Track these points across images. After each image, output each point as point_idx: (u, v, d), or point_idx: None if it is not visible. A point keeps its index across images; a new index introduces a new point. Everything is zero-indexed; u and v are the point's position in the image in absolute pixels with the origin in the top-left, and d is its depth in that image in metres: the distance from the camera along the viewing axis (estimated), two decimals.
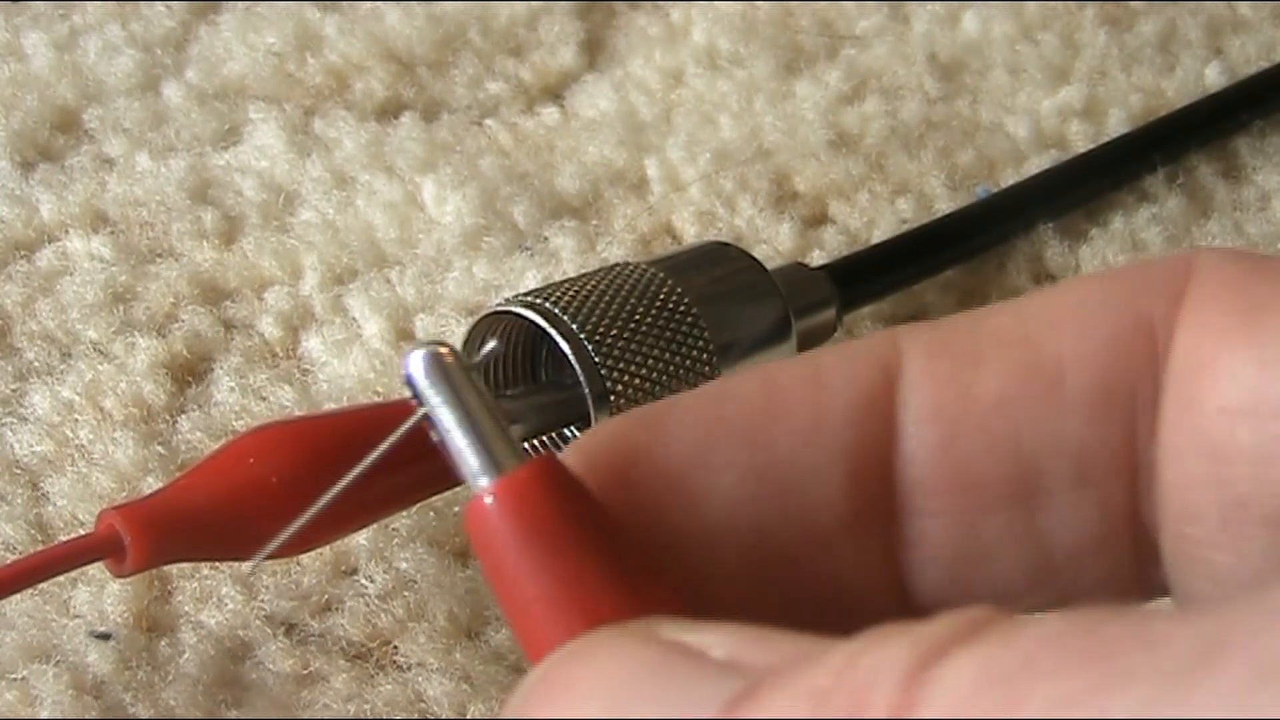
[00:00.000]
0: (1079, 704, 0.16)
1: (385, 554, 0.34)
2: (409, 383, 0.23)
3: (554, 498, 0.22)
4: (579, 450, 0.24)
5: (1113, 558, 0.23)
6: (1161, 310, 0.23)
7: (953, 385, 0.23)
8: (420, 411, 0.23)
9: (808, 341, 0.38)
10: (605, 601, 0.21)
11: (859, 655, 0.17)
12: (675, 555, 0.23)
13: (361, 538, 0.34)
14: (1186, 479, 0.22)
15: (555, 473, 0.22)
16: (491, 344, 0.23)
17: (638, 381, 0.34)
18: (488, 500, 0.22)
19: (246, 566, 0.27)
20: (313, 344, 0.40)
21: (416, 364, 0.23)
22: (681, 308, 0.35)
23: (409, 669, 0.33)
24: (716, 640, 0.20)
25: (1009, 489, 0.23)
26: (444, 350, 0.23)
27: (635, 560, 0.22)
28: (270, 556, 0.32)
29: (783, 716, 0.18)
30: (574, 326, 0.33)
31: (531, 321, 0.34)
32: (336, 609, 0.33)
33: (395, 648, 0.33)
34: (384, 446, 0.24)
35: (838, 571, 0.24)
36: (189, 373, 0.39)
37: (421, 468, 0.29)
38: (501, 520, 0.22)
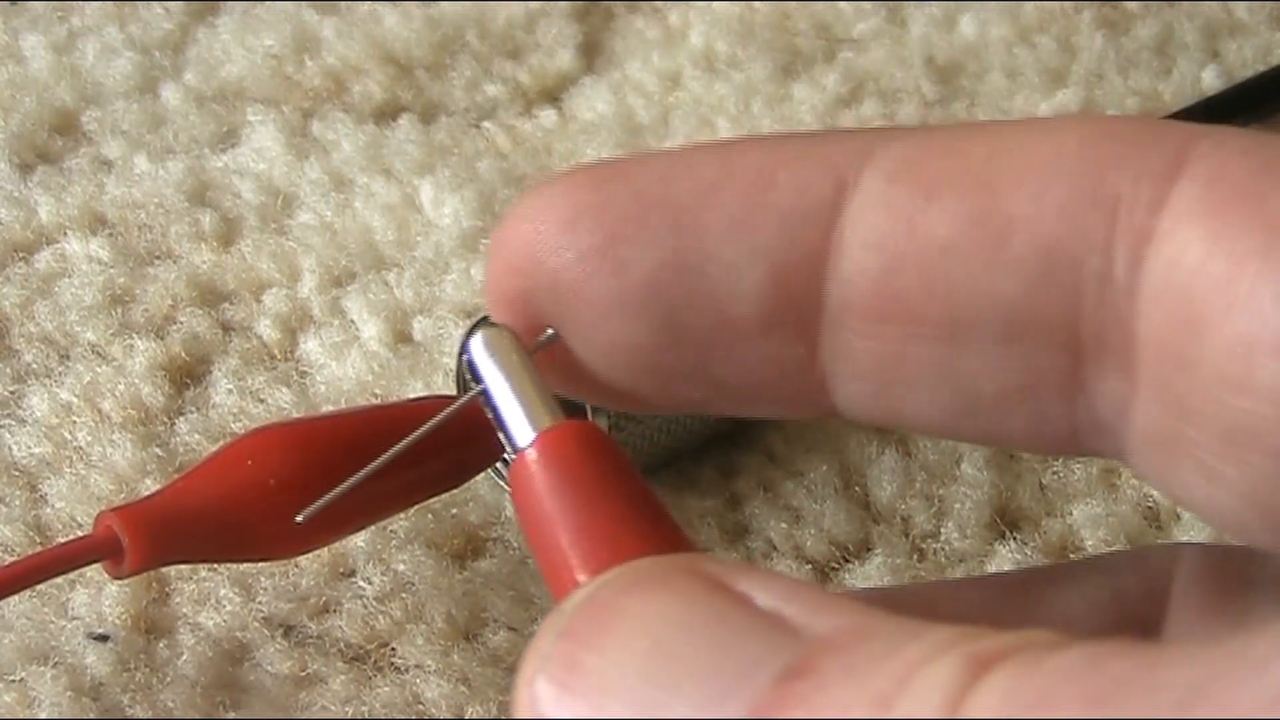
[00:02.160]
0: None
1: (383, 556, 0.34)
2: (469, 365, 0.25)
3: (587, 451, 0.24)
4: (530, 200, 0.25)
5: (1039, 413, 0.24)
6: (1130, 189, 0.22)
7: (902, 217, 0.23)
8: (478, 388, 0.25)
9: None
10: (632, 542, 0.22)
11: (920, 666, 0.18)
12: (590, 318, 0.24)
13: (359, 540, 0.34)
14: (1187, 390, 0.22)
15: (589, 431, 0.24)
16: (550, 330, 0.25)
17: None
18: (529, 454, 0.24)
19: (300, 517, 0.28)
20: (311, 346, 0.40)
21: (478, 346, 0.25)
22: None
23: (407, 671, 0.33)
24: (758, 586, 0.20)
25: (937, 330, 0.24)
26: (498, 331, 0.25)
27: (658, 512, 0.24)
28: (269, 558, 0.32)
29: (844, 711, 0.18)
30: None
31: None
32: (334, 611, 0.34)
33: (393, 649, 0.33)
34: (436, 422, 0.27)
35: (751, 367, 0.25)
36: (187, 375, 0.39)
37: (426, 467, 0.30)
38: (539, 470, 0.23)
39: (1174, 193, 0.22)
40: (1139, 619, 0.25)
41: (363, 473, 0.27)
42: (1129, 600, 0.25)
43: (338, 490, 0.27)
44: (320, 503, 0.28)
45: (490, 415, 0.25)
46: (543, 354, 0.25)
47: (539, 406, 0.24)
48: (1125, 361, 0.23)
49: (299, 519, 0.28)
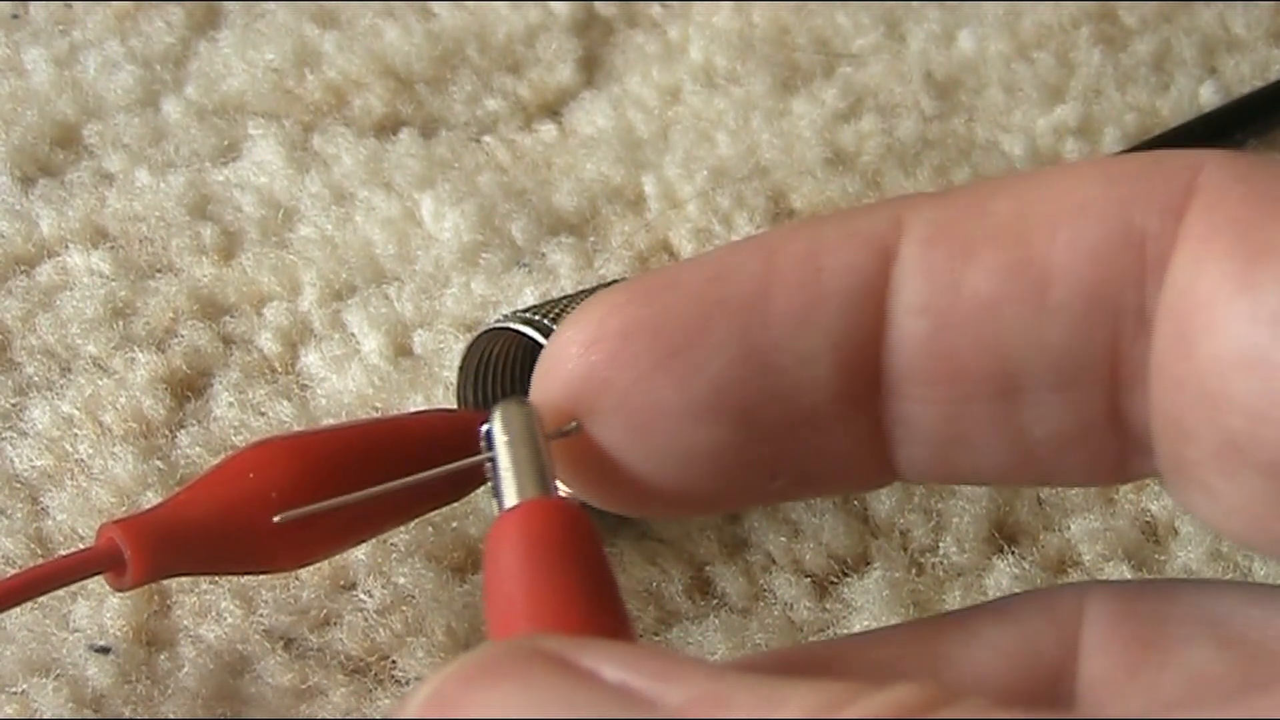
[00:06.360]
0: None
1: (384, 569, 0.34)
2: (486, 433, 0.25)
3: (558, 528, 0.24)
4: (578, 320, 0.25)
5: (1092, 449, 0.24)
6: (1156, 225, 0.23)
7: (944, 279, 0.24)
8: (486, 455, 0.25)
9: None
10: (569, 618, 0.23)
11: None
12: (663, 428, 0.24)
13: (360, 553, 0.34)
14: (1182, 409, 0.23)
15: (568, 511, 0.24)
16: (575, 423, 0.25)
17: None
18: (506, 518, 0.24)
19: (276, 518, 0.28)
20: (311, 359, 0.40)
21: (497, 418, 0.25)
22: None
23: (407, 683, 0.33)
24: (604, 660, 0.20)
25: (991, 385, 0.24)
26: (521, 408, 0.25)
27: (608, 596, 0.24)
28: (270, 570, 0.32)
29: None
30: None
31: (529, 338, 0.34)
32: (335, 623, 0.34)
33: (393, 662, 0.33)
34: (438, 472, 0.28)
35: (824, 449, 0.25)
36: (188, 388, 0.39)
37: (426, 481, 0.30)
38: (507, 534, 0.24)
39: (1184, 223, 0.23)
40: (1050, 665, 0.25)
41: (359, 494, 0.28)
42: (1039, 647, 0.25)
43: (327, 504, 0.28)
44: (303, 510, 0.28)
45: (491, 483, 0.25)
46: (585, 471, 0.25)
47: (530, 479, 0.25)
48: (1146, 387, 0.23)
49: (275, 519, 0.28)
